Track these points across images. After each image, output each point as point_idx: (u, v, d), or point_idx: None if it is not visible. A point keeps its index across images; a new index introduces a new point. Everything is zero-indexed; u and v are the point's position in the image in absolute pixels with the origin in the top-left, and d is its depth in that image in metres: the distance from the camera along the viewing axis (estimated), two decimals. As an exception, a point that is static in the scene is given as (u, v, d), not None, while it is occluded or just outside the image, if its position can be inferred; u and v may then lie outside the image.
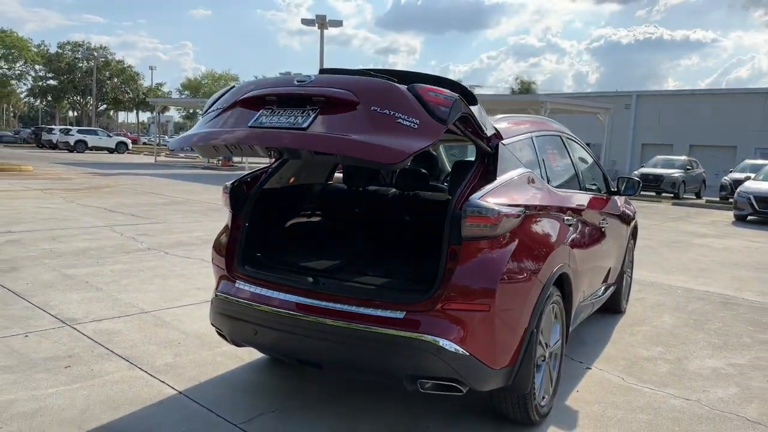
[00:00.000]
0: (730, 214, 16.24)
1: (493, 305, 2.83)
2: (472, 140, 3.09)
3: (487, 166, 3.13)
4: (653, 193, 22.63)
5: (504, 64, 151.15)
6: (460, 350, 2.78)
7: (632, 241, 5.92)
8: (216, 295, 3.42)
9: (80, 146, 40.10)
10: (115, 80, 64.91)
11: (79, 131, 42.34)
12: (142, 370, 3.85)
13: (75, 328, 4.55)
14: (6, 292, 5.42)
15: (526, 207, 3.15)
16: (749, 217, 15.30)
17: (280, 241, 3.86)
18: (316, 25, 32.41)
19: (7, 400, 3.34)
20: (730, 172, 22.77)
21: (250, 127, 2.88)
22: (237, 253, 3.46)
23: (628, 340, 5.02)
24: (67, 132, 41.82)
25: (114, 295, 5.51)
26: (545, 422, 3.40)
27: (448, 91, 2.74)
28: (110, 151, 41.78)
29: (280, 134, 2.76)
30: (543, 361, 3.35)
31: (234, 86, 3.20)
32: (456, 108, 2.70)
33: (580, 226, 3.96)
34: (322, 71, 3.27)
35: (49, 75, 62.73)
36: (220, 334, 3.51)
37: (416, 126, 2.62)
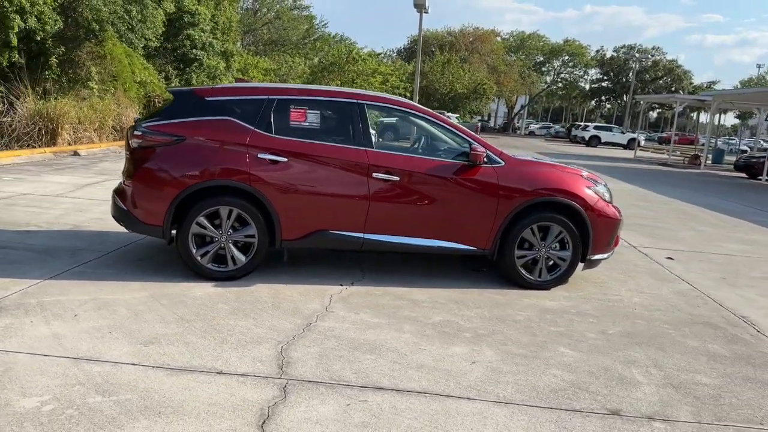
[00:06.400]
0: None
1: (132, 185, 5.12)
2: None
3: (171, 111, 5.20)
4: None
5: None
6: (122, 206, 5.21)
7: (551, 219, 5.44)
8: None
9: (594, 141, 44.01)
10: (665, 79, 65.57)
11: (594, 127, 46.41)
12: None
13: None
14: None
15: (187, 136, 5.04)
16: None
17: None
18: None
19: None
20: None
21: None
22: None
23: (436, 291, 5.37)
24: (584, 128, 46.44)
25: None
26: (234, 283, 5.09)
27: (146, 126, 5.13)
28: (623, 146, 43.76)
29: None
30: (215, 240, 5.10)
31: None
32: (145, 136, 5.07)
33: (307, 167, 5.14)
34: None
35: (604, 78, 68.69)
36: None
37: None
